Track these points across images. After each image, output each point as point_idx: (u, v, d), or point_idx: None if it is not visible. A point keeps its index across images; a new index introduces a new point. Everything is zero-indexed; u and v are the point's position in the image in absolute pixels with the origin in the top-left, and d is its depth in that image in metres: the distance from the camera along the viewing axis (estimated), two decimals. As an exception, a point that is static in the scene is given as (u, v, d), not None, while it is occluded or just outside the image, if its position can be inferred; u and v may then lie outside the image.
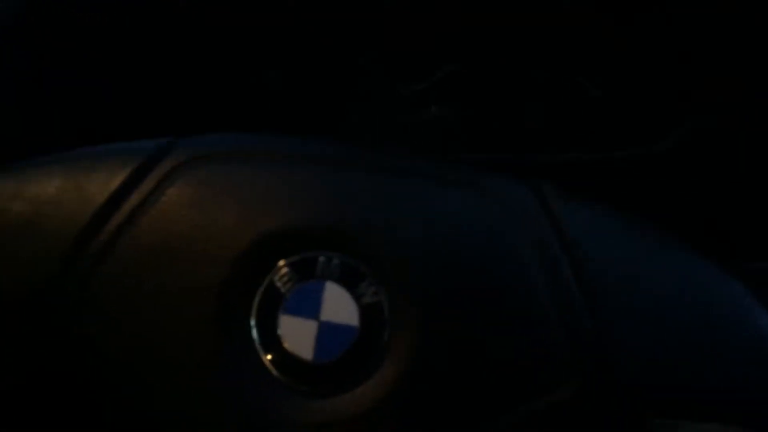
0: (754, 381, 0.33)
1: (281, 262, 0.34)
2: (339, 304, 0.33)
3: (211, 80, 0.72)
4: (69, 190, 0.37)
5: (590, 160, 0.65)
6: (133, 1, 0.63)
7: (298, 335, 0.33)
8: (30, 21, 0.59)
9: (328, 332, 0.33)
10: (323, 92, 0.74)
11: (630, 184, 0.63)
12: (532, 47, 0.71)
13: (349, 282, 0.33)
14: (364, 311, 0.33)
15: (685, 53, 0.65)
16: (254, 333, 0.34)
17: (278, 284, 0.34)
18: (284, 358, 0.33)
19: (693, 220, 0.59)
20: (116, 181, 0.36)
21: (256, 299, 0.34)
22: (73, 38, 0.62)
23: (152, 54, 0.66)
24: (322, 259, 0.34)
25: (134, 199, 0.36)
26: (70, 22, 0.61)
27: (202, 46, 0.68)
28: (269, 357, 0.33)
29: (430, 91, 0.73)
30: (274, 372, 0.33)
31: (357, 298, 0.33)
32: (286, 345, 0.33)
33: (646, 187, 0.62)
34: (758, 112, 0.59)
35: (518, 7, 0.69)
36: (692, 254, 0.36)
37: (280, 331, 0.33)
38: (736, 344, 0.33)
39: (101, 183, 0.37)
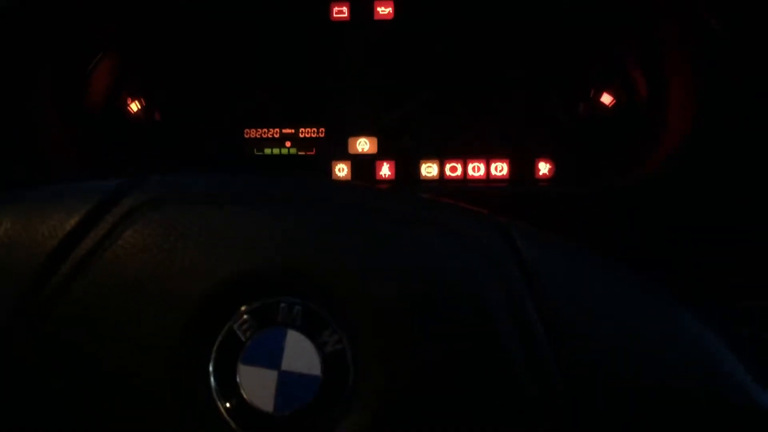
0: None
1: (242, 308, 0.33)
2: (300, 353, 0.32)
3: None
4: (21, 232, 0.35)
5: (561, 192, 0.65)
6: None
7: (258, 386, 0.31)
8: None
9: (289, 383, 0.31)
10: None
11: (602, 215, 0.62)
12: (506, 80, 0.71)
13: (311, 330, 0.32)
14: (327, 360, 0.32)
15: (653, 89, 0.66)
16: (213, 383, 0.32)
17: (238, 332, 0.32)
18: (244, 410, 0.32)
19: (659, 252, 0.59)
20: (70, 224, 0.35)
21: (215, 347, 0.32)
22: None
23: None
24: (283, 305, 0.32)
25: (89, 241, 0.35)
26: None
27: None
28: (228, 407, 0.32)
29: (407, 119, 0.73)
30: (233, 424, 0.32)
31: (319, 346, 0.32)
32: (246, 397, 0.32)
33: (616, 218, 0.61)
34: (723, 147, 0.59)
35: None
36: (650, 289, 0.35)
37: (239, 383, 0.32)
38: (686, 375, 0.33)
39: (54, 225, 0.35)
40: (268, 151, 0.75)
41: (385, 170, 0.73)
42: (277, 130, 0.74)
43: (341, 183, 0.40)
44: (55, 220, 0.35)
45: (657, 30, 0.65)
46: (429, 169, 0.73)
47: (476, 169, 0.72)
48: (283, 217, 0.35)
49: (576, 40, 0.70)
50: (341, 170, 0.74)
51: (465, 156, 0.72)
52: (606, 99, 0.70)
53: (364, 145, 0.73)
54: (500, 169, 0.72)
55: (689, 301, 0.36)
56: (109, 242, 0.34)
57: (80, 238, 0.35)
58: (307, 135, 0.74)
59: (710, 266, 0.57)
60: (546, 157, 0.72)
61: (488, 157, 0.72)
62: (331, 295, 0.33)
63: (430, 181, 0.73)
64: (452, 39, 0.72)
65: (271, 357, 0.32)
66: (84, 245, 0.34)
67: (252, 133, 0.75)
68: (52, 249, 0.35)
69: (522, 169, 0.72)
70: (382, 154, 0.73)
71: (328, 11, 0.73)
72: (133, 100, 0.74)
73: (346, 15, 0.73)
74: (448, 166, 0.73)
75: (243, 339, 0.32)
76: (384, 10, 0.72)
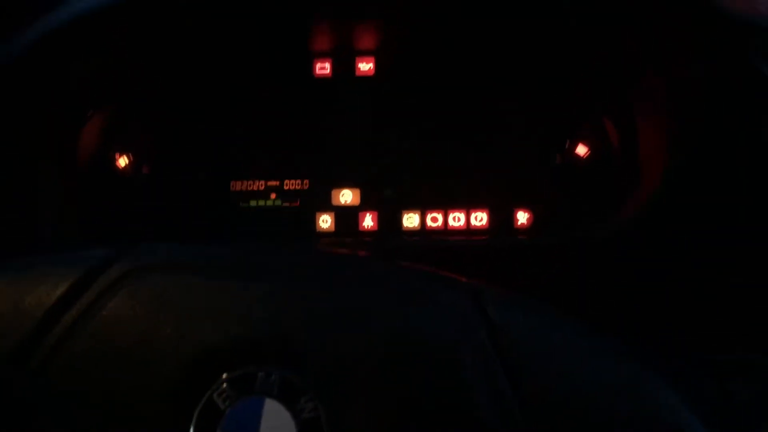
0: None
1: (221, 376, 0.34)
2: (277, 421, 0.33)
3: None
4: (7, 302, 0.37)
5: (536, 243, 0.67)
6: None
7: (236, 454, 0.33)
8: None
9: (266, 450, 0.33)
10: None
11: (579, 267, 0.64)
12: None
13: (288, 398, 0.33)
14: (303, 426, 0.33)
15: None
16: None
17: (217, 400, 0.33)
18: (222, 477, 0.33)
19: (628, 306, 0.61)
20: (56, 294, 0.36)
21: (195, 415, 0.34)
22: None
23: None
24: (261, 374, 0.34)
25: (75, 311, 0.36)
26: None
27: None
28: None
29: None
30: (212, 492, 0.33)
31: (295, 414, 0.33)
32: (224, 464, 0.33)
33: (592, 270, 0.63)
34: (695, 199, 0.61)
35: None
36: (611, 346, 0.37)
37: (218, 451, 0.33)
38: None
39: (41, 296, 0.36)
40: (253, 203, 0.76)
41: (368, 221, 0.75)
42: (263, 182, 0.76)
43: (319, 251, 0.42)
44: (41, 291, 0.37)
45: (627, 85, 0.67)
46: (410, 220, 0.75)
47: (457, 219, 0.74)
48: (261, 289, 0.36)
49: (550, 94, 0.73)
50: (325, 221, 0.76)
51: (445, 206, 0.74)
52: (581, 150, 0.73)
53: (347, 196, 0.75)
54: (480, 218, 0.74)
55: (655, 353, 0.38)
56: (93, 312, 0.36)
57: (66, 308, 0.36)
58: (291, 187, 0.76)
59: (681, 317, 0.59)
60: (524, 207, 0.74)
61: (468, 207, 0.74)
62: (307, 364, 0.34)
63: (411, 232, 0.74)
64: (431, 94, 0.74)
65: (248, 425, 0.33)
66: (69, 315, 0.36)
67: (238, 186, 0.77)
68: (38, 319, 0.36)
69: (501, 218, 0.74)
70: (364, 205, 0.75)
71: (311, 68, 0.75)
72: (121, 155, 0.76)
73: (328, 71, 0.75)
74: (429, 217, 0.74)
75: (222, 407, 0.33)
76: (365, 67, 0.75)
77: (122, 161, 0.76)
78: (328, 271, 0.38)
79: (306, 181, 0.76)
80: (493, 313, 0.36)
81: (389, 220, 0.75)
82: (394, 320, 0.36)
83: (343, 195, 0.75)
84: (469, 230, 0.74)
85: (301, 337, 0.34)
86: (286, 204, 0.76)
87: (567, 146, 0.73)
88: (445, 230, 0.74)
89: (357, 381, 0.34)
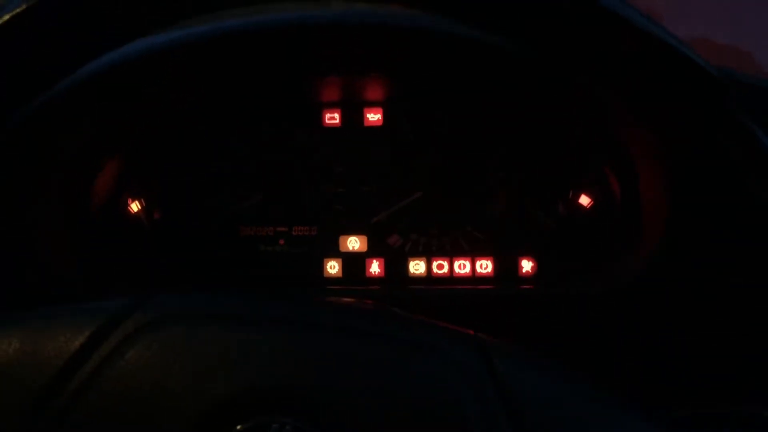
0: None
1: (235, 428, 0.35)
2: (290, 472, 0.34)
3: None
4: (28, 353, 0.38)
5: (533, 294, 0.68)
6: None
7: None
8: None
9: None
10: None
11: (583, 318, 0.65)
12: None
13: (301, 449, 0.34)
14: (315, 477, 0.34)
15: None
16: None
17: (231, 452, 0.34)
18: None
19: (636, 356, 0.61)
20: (75, 345, 0.37)
21: (210, 467, 0.34)
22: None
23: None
24: (275, 426, 0.34)
25: (93, 362, 0.37)
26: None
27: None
28: None
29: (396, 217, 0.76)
30: None
31: (308, 464, 0.34)
32: None
33: (596, 322, 0.64)
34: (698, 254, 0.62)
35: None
36: (615, 400, 0.38)
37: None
38: None
39: (60, 346, 0.37)
40: (262, 248, 0.78)
41: (375, 268, 0.76)
42: (272, 228, 0.78)
43: (328, 301, 0.43)
44: (60, 341, 0.38)
45: (624, 138, 0.69)
46: (417, 267, 0.76)
47: (462, 267, 0.75)
48: (275, 339, 0.37)
49: (553, 146, 0.75)
50: (332, 267, 0.77)
51: (451, 254, 0.76)
52: (584, 200, 0.74)
53: (354, 243, 0.77)
54: (485, 266, 0.75)
55: (656, 406, 0.38)
56: (111, 362, 0.37)
57: (85, 358, 0.37)
58: (300, 233, 0.78)
59: (684, 369, 0.59)
60: (528, 256, 0.75)
61: (473, 255, 0.75)
62: (320, 415, 0.35)
63: (418, 279, 0.75)
64: (438, 144, 0.76)
65: (262, 476, 0.34)
66: (88, 366, 0.37)
67: (247, 231, 0.78)
68: (58, 369, 0.37)
69: (506, 266, 0.75)
70: (371, 252, 0.77)
71: (321, 117, 0.77)
72: (133, 201, 0.78)
73: (337, 121, 0.77)
74: (435, 264, 0.76)
75: (236, 459, 0.34)
76: (373, 117, 0.77)
77: (134, 206, 0.78)
78: (338, 321, 0.39)
79: (314, 228, 0.77)
80: (499, 365, 0.37)
81: (396, 267, 0.76)
82: (403, 373, 0.37)
83: (350, 242, 0.77)
84: (474, 278, 0.75)
85: (313, 388, 0.35)
86: (294, 250, 0.77)
87: (570, 196, 0.75)
88: (451, 277, 0.75)
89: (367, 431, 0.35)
